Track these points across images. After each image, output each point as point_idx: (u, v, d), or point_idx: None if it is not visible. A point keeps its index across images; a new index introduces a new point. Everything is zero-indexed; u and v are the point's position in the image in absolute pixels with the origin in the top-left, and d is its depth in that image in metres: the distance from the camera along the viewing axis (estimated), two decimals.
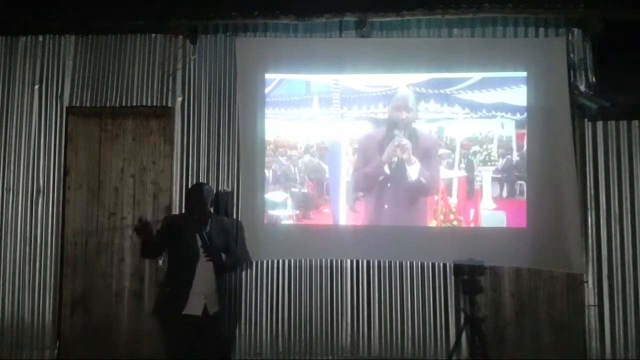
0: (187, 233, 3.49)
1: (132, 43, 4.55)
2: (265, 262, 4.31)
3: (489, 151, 4.20)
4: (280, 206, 4.35)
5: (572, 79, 4.24)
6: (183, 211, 4.19)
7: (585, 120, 4.22)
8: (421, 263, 4.24)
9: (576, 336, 4.12)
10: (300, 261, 4.31)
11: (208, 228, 3.57)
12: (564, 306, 4.16)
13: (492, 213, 4.18)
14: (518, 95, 4.20)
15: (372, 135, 4.31)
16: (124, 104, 4.51)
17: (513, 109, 4.19)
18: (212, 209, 3.80)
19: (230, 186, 4.38)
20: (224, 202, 4.28)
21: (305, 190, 4.35)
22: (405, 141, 4.22)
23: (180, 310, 3.36)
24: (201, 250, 3.46)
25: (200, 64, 4.49)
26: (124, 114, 4.54)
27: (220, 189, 4.33)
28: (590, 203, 4.17)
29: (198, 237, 3.48)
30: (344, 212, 4.30)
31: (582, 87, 4.25)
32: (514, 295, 4.20)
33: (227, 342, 3.95)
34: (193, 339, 3.38)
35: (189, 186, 4.21)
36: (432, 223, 4.24)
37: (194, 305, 3.39)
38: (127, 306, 4.40)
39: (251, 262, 4.25)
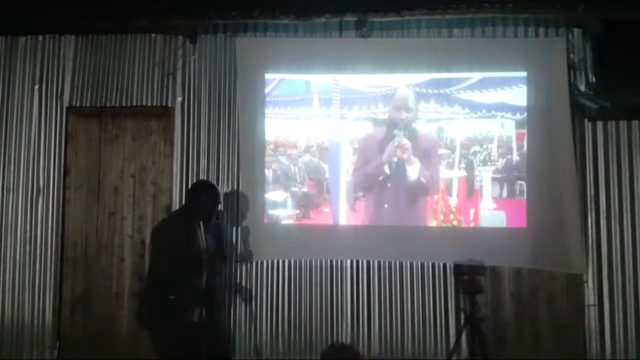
0: (198, 236, 3.26)
1: (132, 43, 4.55)
2: (265, 262, 4.31)
3: (489, 151, 4.20)
4: (280, 206, 4.35)
5: (572, 79, 4.24)
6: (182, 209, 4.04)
7: (585, 120, 4.23)
8: (421, 263, 4.24)
9: (576, 336, 4.12)
10: (300, 261, 4.31)
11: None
12: (564, 306, 4.16)
13: (492, 213, 4.19)
14: (518, 95, 4.20)
15: (372, 135, 4.31)
16: (124, 104, 4.51)
17: (513, 109, 4.19)
18: None
19: (230, 186, 4.38)
20: (228, 202, 4.28)
21: (305, 189, 4.35)
22: (406, 141, 4.22)
23: (188, 318, 3.15)
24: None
25: (200, 64, 4.50)
26: (124, 114, 4.54)
27: (225, 189, 4.33)
28: (590, 203, 4.17)
29: (205, 240, 3.30)
30: (344, 211, 4.30)
31: (582, 87, 4.25)
32: (514, 296, 4.20)
33: (223, 344, 3.83)
34: (191, 345, 3.28)
35: (189, 185, 4.10)
36: (432, 223, 4.24)
37: (196, 312, 3.21)
38: (127, 306, 4.40)
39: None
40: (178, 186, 4.42)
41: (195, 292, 3.18)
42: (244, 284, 4.30)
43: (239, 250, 4.23)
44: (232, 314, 4.26)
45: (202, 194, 3.32)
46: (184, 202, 4.14)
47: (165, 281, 3.09)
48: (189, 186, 3.98)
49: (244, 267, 4.30)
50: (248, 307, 4.27)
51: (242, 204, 4.29)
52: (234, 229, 4.31)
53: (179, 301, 3.08)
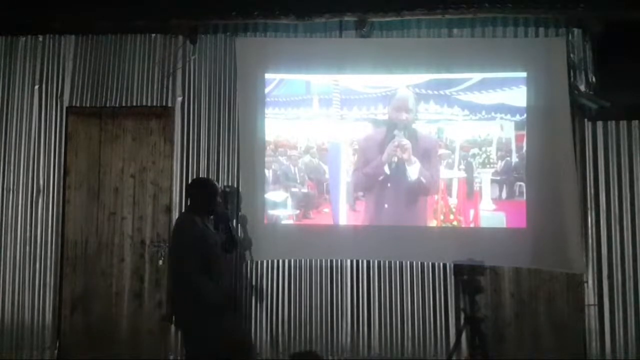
0: (211, 229, 3.43)
1: (132, 43, 4.55)
2: (265, 262, 4.31)
3: (488, 153, 4.20)
4: (280, 206, 4.35)
5: (572, 79, 4.24)
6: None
7: (585, 120, 4.23)
8: (421, 263, 4.24)
9: (576, 336, 4.12)
10: (300, 261, 4.31)
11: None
12: (564, 306, 4.16)
13: (491, 214, 4.18)
14: (518, 96, 4.19)
15: (372, 135, 4.30)
16: (124, 104, 4.51)
17: (512, 110, 4.18)
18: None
19: (229, 184, 4.37)
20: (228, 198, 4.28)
21: (305, 190, 4.35)
22: (405, 141, 4.22)
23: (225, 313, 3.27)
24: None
25: (200, 64, 4.50)
26: (124, 114, 4.54)
27: (224, 186, 4.33)
28: (590, 203, 4.17)
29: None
30: (344, 211, 4.30)
31: (582, 87, 4.25)
32: (514, 295, 4.20)
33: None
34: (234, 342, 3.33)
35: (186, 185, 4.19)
36: (432, 223, 4.24)
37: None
38: (127, 306, 4.40)
39: None
40: (178, 186, 4.42)
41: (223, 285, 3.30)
42: (244, 282, 4.31)
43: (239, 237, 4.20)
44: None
45: (203, 189, 3.43)
46: (185, 201, 4.04)
47: (198, 277, 3.14)
48: (187, 185, 3.99)
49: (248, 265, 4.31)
50: (248, 306, 4.28)
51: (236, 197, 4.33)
52: (234, 220, 4.29)
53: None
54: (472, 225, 4.22)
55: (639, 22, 4.07)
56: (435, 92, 4.24)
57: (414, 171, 4.23)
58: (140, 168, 4.51)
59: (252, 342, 4.04)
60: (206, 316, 3.11)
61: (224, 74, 4.47)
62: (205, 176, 4.34)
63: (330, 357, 4.22)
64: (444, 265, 4.21)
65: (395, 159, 4.25)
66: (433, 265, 4.24)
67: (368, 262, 4.27)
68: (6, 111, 4.55)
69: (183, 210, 4.22)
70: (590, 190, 4.18)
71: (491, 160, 4.20)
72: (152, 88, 4.51)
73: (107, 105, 4.52)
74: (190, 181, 4.10)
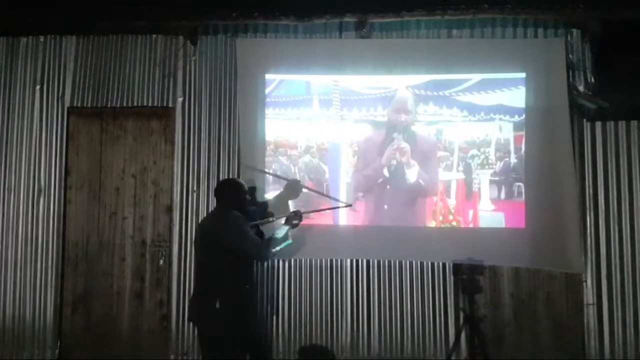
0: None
1: (133, 44, 4.56)
2: (265, 262, 4.32)
3: (487, 155, 4.21)
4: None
5: (571, 80, 4.25)
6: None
7: (584, 120, 4.24)
8: (421, 263, 4.26)
9: (575, 335, 4.13)
10: (300, 261, 4.32)
11: None
12: (563, 306, 4.17)
13: (490, 214, 4.19)
14: (517, 97, 4.21)
15: (372, 138, 4.32)
16: (124, 104, 4.53)
17: (511, 111, 4.20)
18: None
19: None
20: None
21: (305, 190, 4.35)
22: (404, 144, 4.24)
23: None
24: None
25: (200, 65, 4.51)
26: (125, 114, 4.56)
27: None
28: (588, 203, 4.19)
29: None
30: (344, 212, 4.31)
31: (581, 88, 4.27)
32: (513, 295, 4.21)
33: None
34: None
35: (192, 186, 4.35)
36: (432, 224, 4.25)
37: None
38: (127, 306, 4.41)
39: None
40: (179, 186, 4.44)
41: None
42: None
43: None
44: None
45: (237, 189, 3.41)
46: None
47: (238, 274, 3.21)
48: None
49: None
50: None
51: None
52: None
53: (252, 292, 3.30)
54: (471, 225, 4.23)
55: (638, 22, 4.08)
56: (435, 93, 4.26)
57: (412, 174, 4.24)
58: (141, 168, 4.52)
59: (269, 339, 4.07)
60: (238, 313, 3.15)
61: (225, 75, 4.49)
62: (206, 177, 4.39)
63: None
64: (444, 265, 4.22)
65: (394, 162, 4.26)
66: (433, 265, 4.25)
67: (368, 262, 4.29)
68: (8, 111, 4.57)
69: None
70: (589, 190, 4.20)
71: (490, 161, 4.22)
72: (153, 88, 4.53)
73: (108, 105, 4.54)
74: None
